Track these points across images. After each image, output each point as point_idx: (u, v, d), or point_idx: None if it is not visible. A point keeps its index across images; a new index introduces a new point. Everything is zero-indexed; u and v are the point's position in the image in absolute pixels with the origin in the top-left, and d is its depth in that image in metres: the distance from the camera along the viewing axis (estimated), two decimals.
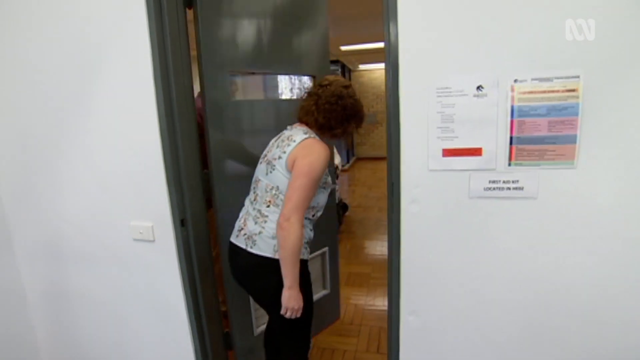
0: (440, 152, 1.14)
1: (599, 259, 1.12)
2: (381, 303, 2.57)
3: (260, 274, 1.36)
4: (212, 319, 1.68)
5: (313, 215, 1.41)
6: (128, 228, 1.53)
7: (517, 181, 1.12)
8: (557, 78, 1.03)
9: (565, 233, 1.12)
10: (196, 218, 1.54)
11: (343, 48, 6.23)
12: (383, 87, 8.00)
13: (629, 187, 1.07)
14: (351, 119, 1.38)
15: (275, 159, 1.32)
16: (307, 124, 1.39)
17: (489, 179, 1.13)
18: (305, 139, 1.30)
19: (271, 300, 1.34)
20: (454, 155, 1.14)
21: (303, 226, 1.26)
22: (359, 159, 8.98)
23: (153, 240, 1.51)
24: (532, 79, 1.05)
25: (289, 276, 1.24)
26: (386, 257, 1.26)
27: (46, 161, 1.59)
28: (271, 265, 1.29)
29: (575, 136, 1.06)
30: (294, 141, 1.30)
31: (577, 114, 1.04)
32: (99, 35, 1.35)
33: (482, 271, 1.21)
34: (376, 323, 2.32)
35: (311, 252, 1.57)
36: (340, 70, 8.11)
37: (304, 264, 1.35)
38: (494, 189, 1.13)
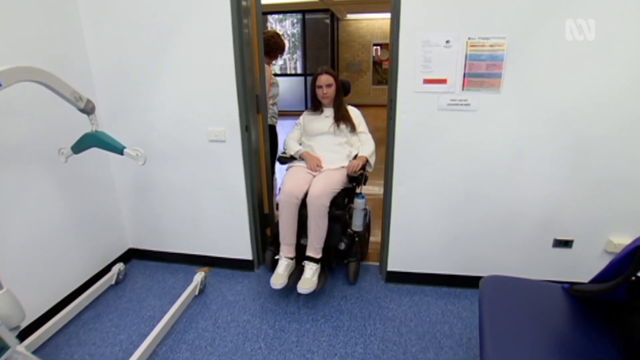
0: (422, 81, 1.86)
1: (508, 146, 1.92)
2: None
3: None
4: (259, 200, 2.43)
5: (273, 102, 2.75)
6: (205, 132, 2.19)
7: (467, 100, 1.86)
8: (494, 37, 1.75)
9: (491, 131, 1.90)
10: (254, 126, 2.23)
11: None
12: (369, 37, 8.60)
13: (529, 104, 1.84)
14: (280, 48, 2.81)
15: None
16: (266, 55, 2.61)
17: (450, 98, 1.87)
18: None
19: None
20: (430, 83, 1.86)
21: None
22: None
23: (224, 141, 2.19)
24: (479, 37, 1.76)
25: None
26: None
27: (139, 83, 2.18)
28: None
29: (501, 74, 1.80)
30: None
31: (503, 60, 1.77)
32: None
33: (443, 156, 1.99)
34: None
35: None
36: (329, 18, 8.47)
37: (273, 128, 2.79)
38: (453, 104, 1.88)
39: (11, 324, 1.33)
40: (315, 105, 2.44)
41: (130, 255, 2.66)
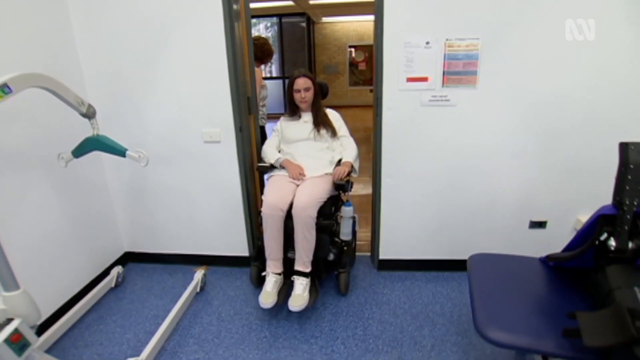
0: (405, 79, 2.01)
1: (485, 138, 2.10)
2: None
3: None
4: (253, 196, 2.52)
5: (262, 103, 2.86)
6: (201, 133, 2.27)
7: (446, 96, 2.03)
8: (469, 38, 1.92)
9: (468, 124, 2.08)
10: (247, 127, 2.33)
11: (311, 2, 6.75)
12: (344, 39, 8.80)
13: (503, 99, 2.02)
14: (271, 54, 3.02)
15: None
16: (258, 60, 2.84)
17: (431, 94, 2.03)
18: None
19: None
20: (413, 81, 2.01)
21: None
22: None
23: (219, 141, 2.28)
24: (456, 39, 1.93)
25: None
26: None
27: (134, 87, 2.23)
28: None
29: (476, 71, 1.97)
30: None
31: (477, 59, 1.95)
32: None
33: (427, 149, 2.15)
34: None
35: None
36: (305, 22, 8.61)
37: (262, 129, 2.78)
38: (434, 100, 2.04)
39: (30, 322, 1.38)
40: (292, 110, 2.31)
41: (127, 259, 2.69)
